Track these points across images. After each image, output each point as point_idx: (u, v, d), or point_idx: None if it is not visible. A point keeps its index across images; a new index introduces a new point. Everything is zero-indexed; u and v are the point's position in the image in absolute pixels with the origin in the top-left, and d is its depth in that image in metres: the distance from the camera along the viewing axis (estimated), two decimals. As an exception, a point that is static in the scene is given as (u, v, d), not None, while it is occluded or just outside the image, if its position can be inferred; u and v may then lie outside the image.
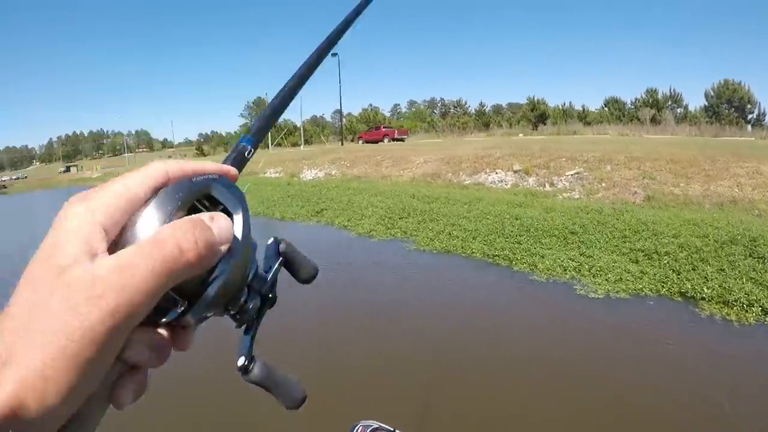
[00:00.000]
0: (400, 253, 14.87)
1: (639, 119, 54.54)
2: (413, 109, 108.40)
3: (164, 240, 0.52)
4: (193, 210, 0.59)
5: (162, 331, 0.57)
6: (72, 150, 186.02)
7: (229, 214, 0.61)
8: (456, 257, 13.99)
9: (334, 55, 57.55)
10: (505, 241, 14.34)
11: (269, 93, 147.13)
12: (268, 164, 42.93)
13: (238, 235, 0.60)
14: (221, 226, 0.58)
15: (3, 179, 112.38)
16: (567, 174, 21.43)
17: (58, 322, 0.45)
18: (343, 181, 29.70)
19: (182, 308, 0.55)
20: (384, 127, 61.61)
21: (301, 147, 68.85)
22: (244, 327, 0.66)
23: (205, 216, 0.57)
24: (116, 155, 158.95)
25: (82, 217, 0.53)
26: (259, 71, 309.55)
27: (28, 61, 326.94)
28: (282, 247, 0.79)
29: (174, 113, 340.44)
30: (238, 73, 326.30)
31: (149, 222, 0.55)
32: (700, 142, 31.48)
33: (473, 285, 11.69)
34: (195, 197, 0.60)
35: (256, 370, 0.64)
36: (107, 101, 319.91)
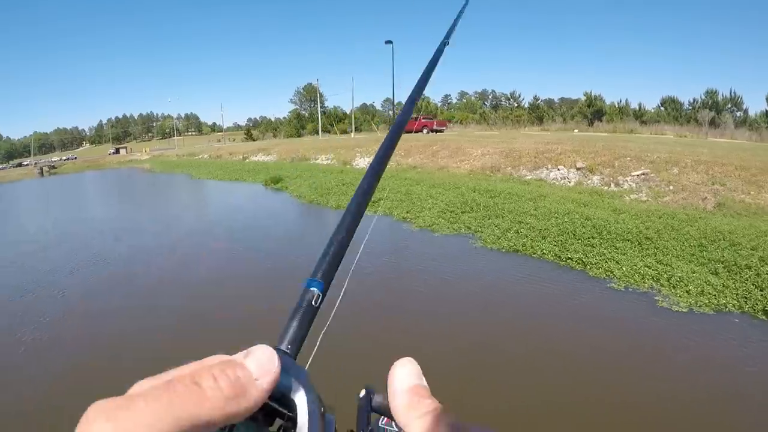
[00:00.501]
0: (466, 250, 14.14)
1: (697, 121, 52.62)
2: (464, 100, 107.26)
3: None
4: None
5: None
6: (122, 132, 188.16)
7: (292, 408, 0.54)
8: (525, 258, 13.21)
9: (389, 42, 56.96)
10: (578, 243, 13.44)
11: (320, 79, 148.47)
12: (319, 150, 42.71)
13: (304, 423, 0.53)
14: (259, 360, 0.52)
15: (53, 160, 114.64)
16: (633, 174, 20.44)
17: None
18: (398, 170, 28.76)
19: None
20: (423, 118, 59.33)
21: (352, 134, 68.16)
22: None
23: (239, 355, 0.54)
24: (165, 138, 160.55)
25: None
26: (311, 58, 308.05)
27: (81, 43, 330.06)
28: (377, 401, 0.68)
29: (224, 97, 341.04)
30: (290, 58, 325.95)
31: None
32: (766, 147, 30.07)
33: (550, 292, 10.81)
34: None
35: None
36: (158, 84, 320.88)
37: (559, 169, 23.42)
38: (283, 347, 0.65)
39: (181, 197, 34.37)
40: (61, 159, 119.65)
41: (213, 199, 31.45)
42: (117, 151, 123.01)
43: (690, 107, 58.85)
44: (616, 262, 11.90)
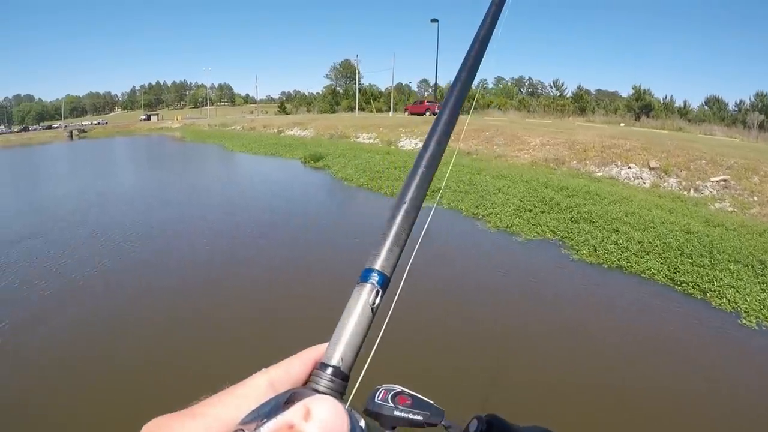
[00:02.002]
0: (561, 263, 11.70)
1: (744, 123, 49.16)
2: (500, 86, 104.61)
3: None
4: None
5: None
6: (154, 99, 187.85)
7: None
8: (633, 278, 10.79)
9: (434, 21, 55.68)
10: (688, 262, 11.08)
11: (360, 55, 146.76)
12: (359, 128, 40.44)
13: None
14: (320, 419, 0.46)
15: (84, 124, 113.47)
16: (712, 180, 18.58)
17: None
18: (450, 155, 26.17)
19: None
20: (427, 102, 63.18)
21: (390, 114, 66.44)
22: None
23: (297, 412, 0.47)
24: (197, 107, 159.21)
25: None
26: (349, 34, 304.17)
27: (118, 9, 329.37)
28: None
29: (258, 69, 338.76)
30: (327, 34, 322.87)
31: None
32: None
33: (675, 330, 8.38)
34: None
35: None
36: (192, 53, 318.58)
37: (630, 168, 21.46)
38: (335, 361, 0.62)
39: (216, 172, 31.62)
40: (91, 123, 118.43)
41: (251, 178, 28.09)
42: (148, 117, 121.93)
43: (736, 109, 56.22)
44: (736, 291, 9.63)
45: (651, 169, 20.73)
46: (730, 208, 16.49)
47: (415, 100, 74.71)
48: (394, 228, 0.81)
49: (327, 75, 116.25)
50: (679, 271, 10.66)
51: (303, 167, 28.59)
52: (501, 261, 11.73)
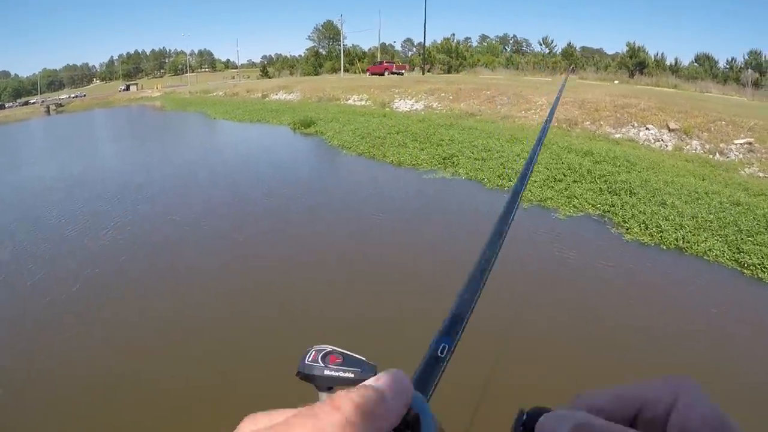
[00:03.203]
0: (614, 245, 10.00)
1: (738, 81, 48.96)
2: (485, 44, 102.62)
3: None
4: None
5: None
6: (133, 68, 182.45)
7: None
8: (694, 260, 9.26)
9: None
10: (750, 241, 9.55)
11: (344, 14, 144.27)
12: (348, 90, 38.28)
13: None
14: (393, 383, 0.54)
15: (61, 98, 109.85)
16: (736, 143, 17.37)
17: None
18: (451, 116, 24.60)
19: None
20: (386, 62, 67.00)
21: (405, 73, 63.27)
22: None
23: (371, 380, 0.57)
24: (177, 75, 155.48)
25: None
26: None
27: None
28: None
29: (239, 33, 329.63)
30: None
31: None
32: None
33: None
34: None
35: None
36: (170, 19, 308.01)
37: (648, 129, 19.95)
38: None
39: (199, 144, 28.13)
40: (69, 96, 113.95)
41: (238, 150, 24.33)
42: (127, 87, 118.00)
43: (728, 66, 56.04)
44: (810, 275, 8.35)
45: (671, 130, 19.25)
46: (761, 174, 15.50)
47: (375, 61, 75.23)
48: (464, 297, 0.85)
49: (309, 37, 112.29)
50: (742, 251, 9.19)
51: (293, 134, 26.25)
52: (550, 246, 9.88)
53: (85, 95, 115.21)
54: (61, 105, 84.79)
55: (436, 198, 13.39)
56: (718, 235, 9.96)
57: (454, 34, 77.56)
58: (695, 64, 57.92)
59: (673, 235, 10.03)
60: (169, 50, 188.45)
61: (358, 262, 9.29)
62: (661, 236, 10.09)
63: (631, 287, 8.13)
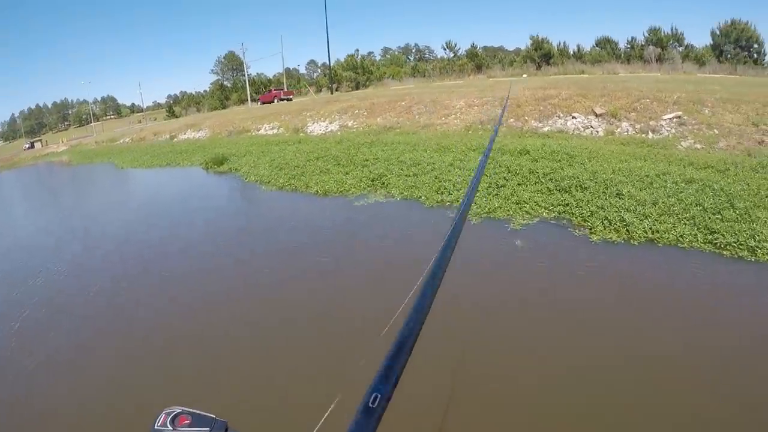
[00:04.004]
0: (583, 250, 8.83)
1: (641, 58, 50.95)
2: (388, 56, 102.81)
3: None
4: None
5: None
6: (36, 124, 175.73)
7: None
8: (673, 251, 8.48)
9: None
10: (716, 218, 9.16)
11: (246, 43, 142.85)
12: (258, 120, 36.65)
13: None
14: None
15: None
16: (665, 118, 17.19)
17: None
18: (370, 133, 23.17)
19: None
20: (275, 89, 69.93)
21: (293, 98, 63.96)
22: None
23: None
24: (82, 125, 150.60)
25: None
26: (230, 23, 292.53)
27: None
28: None
29: (141, 76, 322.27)
30: (208, 27, 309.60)
31: None
32: (749, 81, 28.38)
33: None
34: None
35: None
36: (70, 68, 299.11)
37: (575, 117, 19.27)
38: None
39: (106, 201, 24.30)
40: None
41: (146, 202, 20.81)
42: (32, 145, 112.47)
43: (629, 46, 57.48)
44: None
45: (597, 115, 18.66)
46: (698, 146, 15.09)
47: (267, 90, 76.34)
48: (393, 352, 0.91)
49: (213, 70, 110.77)
50: (715, 232, 8.71)
51: (206, 174, 23.92)
52: (514, 265, 8.53)
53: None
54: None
55: (371, 227, 11.73)
56: (685, 218, 9.32)
57: (358, 50, 77.55)
58: (597, 48, 59.02)
59: (640, 227, 9.18)
60: (72, 101, 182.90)
61: (291, 313, 7.68)
62: (627, 230, 9.19)
63: (618, 301, 6.96)
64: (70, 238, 15.51)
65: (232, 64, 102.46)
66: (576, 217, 10.03)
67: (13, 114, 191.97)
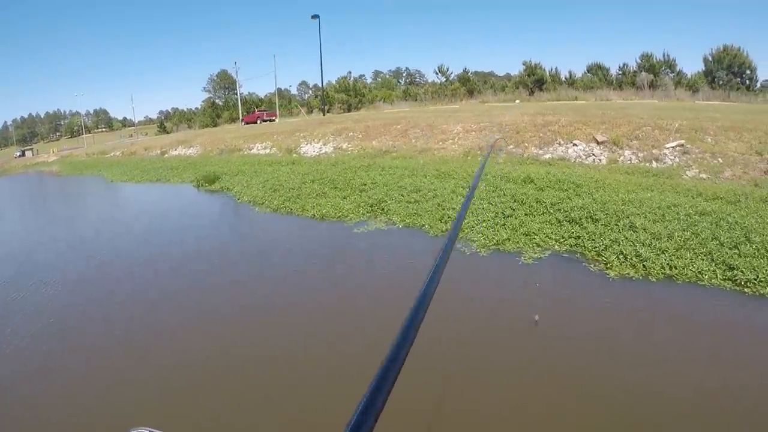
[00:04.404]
0: (602, 288, 8.32)
1: (634, 84, 50.05)
2: (379, 79, 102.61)
3: None
4: None
5: None
6: (28, 133, 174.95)
7: None
8: (692, 289, 8.11)
9: (315, 17, 54.07)
10: (733, 253, 8.75)
11: (239, 62, 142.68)
12: (250, 139, 35.97)
13: None
14: None
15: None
16: (668, 147, 16.73)
17: None
18: (365, 156, 22.67)
19: None
20: (258, 110, 71.74)
21: (276, 119, 63.78)
22: None
23: None
24: (74, 137, 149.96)
25: None
26: (224, 42, 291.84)
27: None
28: None
29: (134, 90, 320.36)
30: (202, 44, 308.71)
31: None
32: (743, 108, 27.21)
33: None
34: None
35: None
36: (64, 80, 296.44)
37: (576, 145, 18.80)
38: None
39: (95, 216, 23.24)
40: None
41: (135, 220, 19.33)
42: (23, 153, 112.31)
43: (620, 72, 56.61)
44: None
45: (599, 143, 18.16)
46: (704, 175, 14.72)
47: (252, 111, 76.73)
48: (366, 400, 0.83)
49: (205, 88, 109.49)
50: (734, 268, 8.33)
51: (197, 193, 23.41)
52: (530, 303, 7.79)
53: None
54: (-49, 178, 79.73)
55: (374, 257, 11.13)
56: (702, 253, 8.94)
57: (350, 72, 77.36)
58: (588, 74, 58.58)
59: (658, 263, 8.76)
60: (64, 112, 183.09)
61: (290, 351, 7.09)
62: (644, 266, 8.76)
63: (646, 343, 6.55)
64: (54, 249, 14.93)
65: (225, 82, 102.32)
66: (589, 251, 9.58)
67: (5, 122, 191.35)
